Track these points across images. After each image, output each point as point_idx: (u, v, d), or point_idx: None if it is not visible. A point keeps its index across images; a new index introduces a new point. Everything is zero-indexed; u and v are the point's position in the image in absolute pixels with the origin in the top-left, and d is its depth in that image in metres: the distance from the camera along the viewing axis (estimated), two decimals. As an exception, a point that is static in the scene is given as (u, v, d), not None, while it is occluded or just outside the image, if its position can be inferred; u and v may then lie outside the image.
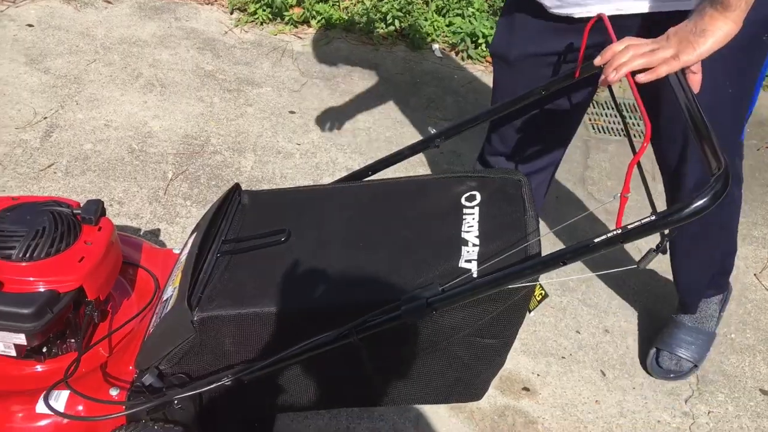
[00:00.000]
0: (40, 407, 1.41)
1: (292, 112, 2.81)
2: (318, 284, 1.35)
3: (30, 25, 3.00)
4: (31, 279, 1.39)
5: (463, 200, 1.43)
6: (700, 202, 1.03)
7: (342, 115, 2.85)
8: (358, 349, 1.29)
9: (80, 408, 1.43)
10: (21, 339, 1.39)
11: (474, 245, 1.32)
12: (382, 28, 3.42)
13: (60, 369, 1.52)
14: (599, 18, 1.39)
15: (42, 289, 1.39)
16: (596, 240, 1.13)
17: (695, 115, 1.16)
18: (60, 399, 1.43)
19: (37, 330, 1.37)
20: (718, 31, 1.20)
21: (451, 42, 3.44)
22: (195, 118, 2.66)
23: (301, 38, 3.32)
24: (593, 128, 3.16)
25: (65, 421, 1.42)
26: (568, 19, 1.51)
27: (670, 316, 2.16)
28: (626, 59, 1.20)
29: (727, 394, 2.07)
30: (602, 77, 1.25)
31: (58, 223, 1.44)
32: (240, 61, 3.06)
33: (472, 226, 1.36)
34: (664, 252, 1.18)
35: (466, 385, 1.44)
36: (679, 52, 1.19)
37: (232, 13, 3.37)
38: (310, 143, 2.67)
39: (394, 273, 1.32)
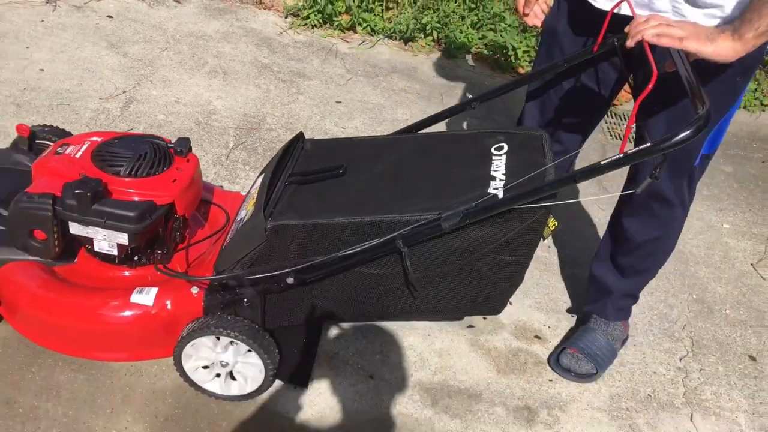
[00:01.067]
0: (135, 298, 1.72)
1: (338, 102, 3.14)
2: (370, 204, 1.64)
3: (110, 17, 3.38)
4: (134, 191, 1.70)
5: (492, 149, 1.72)
6: (686, 132, 1.32)
7: (382, 108, 3.17)
8: (403, 257, 1.57)
9: (168, 302, 1.73)
10: (123, 239, 1.69)
11: (501, 179, 1.61)
12: (421, 37, 3.76)
13: (144, 276, 1.82)
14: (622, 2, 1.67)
15: (142, 201, 1.70)
16: (602, 162, 1.42)
17: (692, 81, 1.43)
18: (150, 293, 1.73)
19: (137, 231, 1.67)
20: (723, 47, 1.44)
21: (483, 53, 3.77)
22: (253, 101, 3.00)
23: (347, 42, 3.67)
24: (610, 135, 3.45)
25: (153, 310, 1.72)
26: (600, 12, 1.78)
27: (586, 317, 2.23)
28: (646, 27, 1.48)
29: (719, 357, 2.31)
30: (628, 41, 1.52)
31: (156, 151, 1.76)
32: (293, 57, 3.41)
33: (499, 168, 1.65)
34: (657, 179, 1.46)
35: (488, 298, 1.71)
36: (687, 38, 1.44)
37: (286, 17, 3.73)
38: (354, 128, 2.98)
39: (434, 197, 1.61)
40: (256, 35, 3.52)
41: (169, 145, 1.82)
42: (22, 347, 1.80)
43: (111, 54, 3.08)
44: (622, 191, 1.92)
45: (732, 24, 1.46)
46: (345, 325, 2.08)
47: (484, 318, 2.23)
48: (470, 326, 2.19)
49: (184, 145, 1.82)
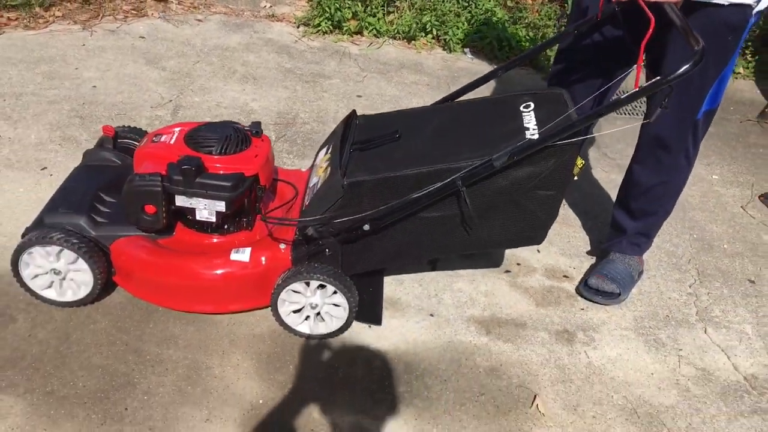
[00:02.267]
0: (233, 256, 2.03)
1: (359, 96, 3.47)
2: (427, 157, 1.97)
3: (142, 37, 3.70)
4: (227, 166, 2.02)
5: (521, 108, 2.05)
6: (686, 66, 1.66)
7: (398, 98, 3.51)
8: (462, 196, 1.89)
9: (262, 258, 2.04)
10: (221, 206, 2.00)
11: (533, 128, 1.94)
12: (422, 35, 4.12)
13: (233, 242, 2.13)
14: None
15: (234, 173, 2.02)
16: (623, 97, 1.77)
17: (685, 25, 1.75)
18: (246, 252, 2.04)
19: (233, 198, 1.98)
20: None
21: (479, 45, 4.13)
22: (284, 100, 3.33)
23: (357, 44, 4.01)
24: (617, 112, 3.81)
25: (250, 266, 2.03)
26: None
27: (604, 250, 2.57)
28: None
29: (723, 282, 2.66)
30: None
31: (238, 133, 2.08)
32: (311, 61, 3.74)
33: (530, 121, 1.98)
34: (666, 108, 1.80)
35: (531, 229, 2.04)
36: None
37: (298, 27, 4.07)
38: (377, 117, 3.32)
39: (481, 147, 1.94)
40: (274, 44, 3.86)
41: (245, 128, 2.14)
42: (137, 309, 2.11)
43: (151, 69, 3.40)
44: (644, 121, 2.20)
45: None
46: (401, 276, 2.40)
47: (518, 264, 2.56)
48: (507, 271, 2.52)
49: (258, 127, 2.14)
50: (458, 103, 2.28)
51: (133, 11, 3.93)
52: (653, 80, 1.72)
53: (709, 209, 3.09)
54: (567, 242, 2.73)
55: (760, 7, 1.97)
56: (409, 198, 1.91)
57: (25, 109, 2.95)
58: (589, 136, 1.89)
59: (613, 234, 2.54)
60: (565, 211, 2.90)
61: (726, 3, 1.94)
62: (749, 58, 4.41)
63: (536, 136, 1.89)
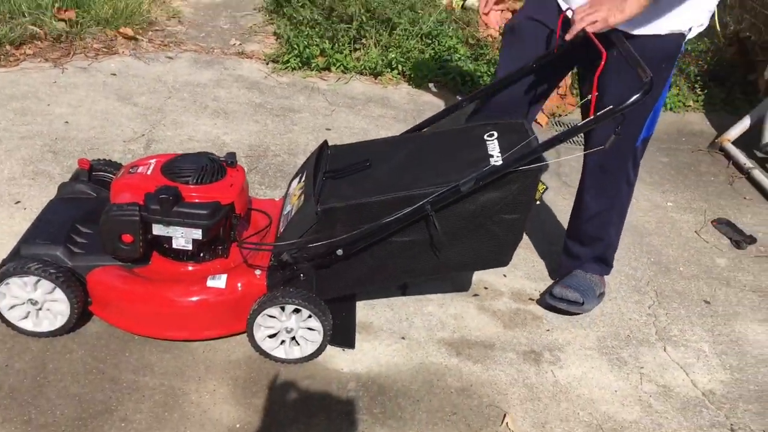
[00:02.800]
0: (210, 283, 2.08)
1: (328, 129, 3.57)
2: (398, 184, 2.06)
3: (113, 74, 3.75)
4: (203, 195, 2.08)
5: (485, 137, 2.16)
6: (637, 95, 1.80)
7: (367, 131, 3.62)
8: (431, 219, 1.98)
9: (239, 285, 2.09)
10: (198, 234, 2.06)
11: (497, 155, 2.04)
12: (388, 71, 4.25)
13: (209, 269, 2.19)
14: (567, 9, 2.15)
15: (210, 201, 2.08)
16: (579, 124, 1.90)
17: (633, 57, 1.90)
18: (222, 279, 2.10)
19: (210, 225, 2.04)
20: (631, 5, 1.93)
21: (443, 80, 4.27)
22: (255, 134, 3.41)
23: (325, 80, 4.12)
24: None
25: (226, 292, 2.08)
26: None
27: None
28: (580, 22, 1.96)
29: (680, 303, 2.78)
30: (568, 35, 1.99)
31: (213, 163, 2.15)
32: (281, 96, 3.84)
33: (494, 148, 2.09)
34: (620, 135, 1.92)
35: (497, 252, 2.14)
36: (608, 16, 1.93)
37: (267, 64, 4.17)
38: (346, 150, 3.41)
39: (448, 174, 2.04)
40: (244, 80, 3.95)
41: (220, 159, 2.21)
42: (113, 338, 2.14)
43: (123, 105, 3.45)
44: (589, 151, 2.33)
45: None
46: (373, 301, 2.47)
47: (485, 288, 2.65)
48: (476, 295, 2.61)
49: (233, 158, 2.22)
50: (426, 133, 2.39)
51: (104, 49, 3.99)
52: (607, 109, 1.85)
53: (665, 234, 3.23)
54: (531, 266, 2.84)
55: (691, 35, 2.13)
56: (380, 223, 1.99)
57: (-3, 144, 2.98)
58: (548, 162, 2.00)
59: (568, 262, 2.65)
60: (529, 237, 3.01)
61: (664, 33, 2.09)
62: (698, 92, 4.64)
63: (500, 162, 1.99)
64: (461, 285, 2.64)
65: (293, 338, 2.14)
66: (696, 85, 4.69)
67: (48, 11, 4.01)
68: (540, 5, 2.29)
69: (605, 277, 2.68)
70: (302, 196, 2.14)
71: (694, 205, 3.52)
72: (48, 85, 3.53)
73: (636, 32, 2.09)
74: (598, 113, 1.89)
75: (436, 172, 2.07)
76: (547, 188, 2.12)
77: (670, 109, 4.52)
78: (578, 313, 2.56)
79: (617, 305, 2.70)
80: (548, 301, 2.56)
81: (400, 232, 2.05)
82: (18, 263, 2.00)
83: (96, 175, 2.42)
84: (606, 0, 1.97)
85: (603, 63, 1.85)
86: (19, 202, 2.65)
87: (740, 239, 3.21)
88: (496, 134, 2.15)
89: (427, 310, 2.49)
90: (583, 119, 2.34)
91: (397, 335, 2.35)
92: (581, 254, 2.60)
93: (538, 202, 2.12)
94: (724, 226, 3.33)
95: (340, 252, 2.04)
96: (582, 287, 2.54)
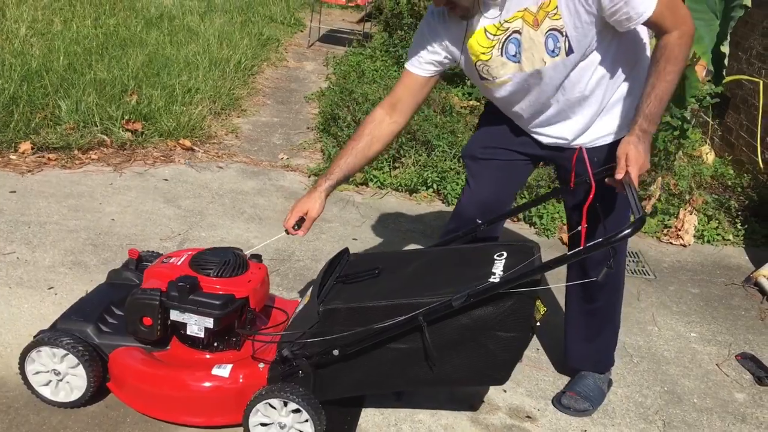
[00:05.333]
0: (214, 371, 2.20)
1: (354, 239, 3.74)
2: (399, 293, 2.16)
3: (165, 180, 4.09)
4: (219, 287, 2.24)
5: (495, 256, 2.23)
6: (628, 230, 1.86)
7: (392, 243, 3.76)
8: (422, 332, 2.04)
9: (240, 375, 2.19)
10: (210, 323, 2.19)
11: (499, 274, 2.10)
12: (423, 189, 4.44)
13: (221, 359, 2.29)
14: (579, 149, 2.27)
15: (225, 293, 2.23)
16: (568, 253, 1.97)
17: (634, 196, 1.96)
18: (226, 368, 2.21)
19: (221, 315, 2.17)
20: (647, 150, 2.03)
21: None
22: (284, 240, 3.60)
23: (361, 194, 4.34)
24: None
25: (228, 382, 2.19)
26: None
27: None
28: (632, 175, 2.01)
29: (688, 436, 2.69)
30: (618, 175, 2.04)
31: (237, 259, 2.33)
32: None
33: (498, 267, 2.15)
34: (612, 268, 1.99)
35: (493, 369, 2.15)
36: (643, 167, 2.01)
37: (309, 177, 4.44)
38: (368, 260, 3.55)
39: (448, 286, 2.11)
40: (285, 190, 4.21)
41: (246, 254, 2.40)
42: (106, 419, 2.25)
43: (167, 207, 3.74)
44: (581, 281, 2.43)
45: (640, 131, 2.04)
46: (364, 404, 2.50)
47: (482, 401, 2.65)
48: (471, 407, 2.60)
49: (258, 257, 2.41)
50: (441, 249, 2.50)
51: (162, 157, 4.36)
52: (597, 241, 1.90)
53: (684, 365, 3.15)
54: (535, 384, 2.82)
55: None
56: (373, 327, 2.06)
57: (46, 236, 3.27)
58: (543, 287, 2.06)
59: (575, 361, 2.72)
60: (539, 355, 3.01)
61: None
62: (739, 227, 4.60)
63: (496, 281, 2.04)
64: (458, 396, 2.64)
65: None
66: (737, 220, 4.65)
67: (117, 122, 4.45)
68: (504, 135, 2.48)
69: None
70: (309, 296, 2.26)
71: (720, 337, 3.43)
72: (104, 186, 3.87)
73: (612, 139, 2.27)
74: (588, 244, 1.94)
75: (437, 285, 2.14)
76: (547, 311, 2.15)
77: (708, 241, 4.49)
78: None
79: (620, 431, 2.63)
80: (556, 405, 2.64)
81: (396, 340, 2.11)
82: (53, 334, 2.20)
83: (144, 264, 2.62)
84: (640, 151, 2.02)
85: (591, 197, 1.94)
86: (52, 287, 2.88)
87: (763, 375, 3.09)
88: (505, 254, 2.21)
89: (418, 418, 2.50)
90: (569, 245, 2.48)
91: (382, 440, 2.37)
92: (585, 352, 2.69)
93: (538, 324, 2.14)
94: (748, 361, 3.22)
95: (336, 352, 2.12)
96: (591, 393, 2.62)
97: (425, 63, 2.33)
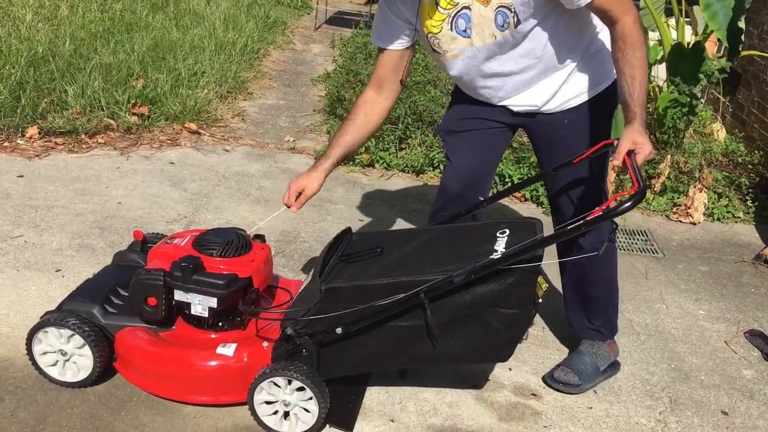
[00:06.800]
0: (219, 350, 2.21)
1: (360, 220, 3.73)
2: (400, 270, 2.15)
3: (171, 163, 4.10)
4: (223, 267, 2.24)
5: (497, 233, 2.22)
6: (629, 203, 1.85)
7: (398, 224, 3.76)
8: (424, 309, 2.03)
9: (245, 354, 2.20)
10: (213, 302, 2.20)
11: (500, 251, 2.08)
12: (430, 169, 4.42)
13: (225, 338, 2.30)
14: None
15: (229, 273, 2.23)
16: (569, 227, 1.95)
17: (638, 170, 1.95)
18: (231, 347, 2.22)
19: (224, 295, 2.18)
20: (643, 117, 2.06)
21: (484, 181, 4.40)
22: (290, 221, 3.61)
23: (367, 175, 4.33)
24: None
25: (233, 360, 2.19)
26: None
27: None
28: (642, 156, 2.00)
29: (694, 412, 2.67)
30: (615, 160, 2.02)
31: (240, 239, 2.33)
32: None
33: (500, 244, 2.14)
34: (614, 242, 1.97)
35: (496, 346, 2.14)
36: (649, 155, 2.00)
37: (315, 159, 4.43)
38: (374, 240, 3.55)
39: (449, 263, 2.10)
40: (291, 172, 4.21)
41: (248, 234, 2.40)
42: (112, 398, 2.27)
43: (173, 190, 3.75)
44: (581, 257, 2.41)
45: (641, 119, 2.04)
46: (371, 382, 2.51)
47: (487, 379, 2.65)
48: (475, 385, 2.61)
49: (261, 237, 2.41)
50: (444, 227, 2.49)
51: (168, 141, 4.37)
52: (598, 215, 1.88)
53: (692, 342, 3.13)
54: (541, 363, 2.81)
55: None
56: (375, 304, 2.06)
57: (53, 219, 3.29)
58: (545, 263, 2.06)
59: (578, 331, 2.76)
60: (544, 333, 3.00)
61: (602, 89, 2.33)
62: (749, 204, 4.55)
63: (496, 257, 2.04)
64: (462, 374, 2.64)
65: (287, 413, 2.19)
66: (747, 197, 4.61)
67: (124, 106, 4.46)
68: (477, 106, 2.50)
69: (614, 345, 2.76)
70: (312, 276, 2.26)
71: (728, 315, 3.41)
72: (111, 170, 3.88)
73: (582, 100, 2.32)
74: (590, 217, 1.92)
75: (437, 261, 2.14)
76: (549, 287, 2.15)
77: (718, 219, 4.45)
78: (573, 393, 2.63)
79: (625, 408, 2.63)
80: (547, 380, 2.64)
81: (398, 318, 2.10)
82: (59, 315, 2.22)
83: (148, 246, 2.62)
84: (642, 132, 2.02)
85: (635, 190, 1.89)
86: (59, 270, 2.90)
87: (772, 352, 3.08)
88: (508, 231, 2.20)
89: (423, 396, 2.50)
90: (554, 220, 2.50)
91: (387, 417, 2.37)
92: (585, 316, 2.70)
93: (541, 301, 2.13)
94: (757, 338, 3.20)
95: (339, 330, 2.12)
96: (583, 367, 2.62)
97: (392, 38, 2.35)
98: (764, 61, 5.37)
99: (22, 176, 3.71)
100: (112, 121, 4.33)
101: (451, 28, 2.21)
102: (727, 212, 4.49)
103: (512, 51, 2.23)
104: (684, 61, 4.71)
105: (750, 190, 4.62)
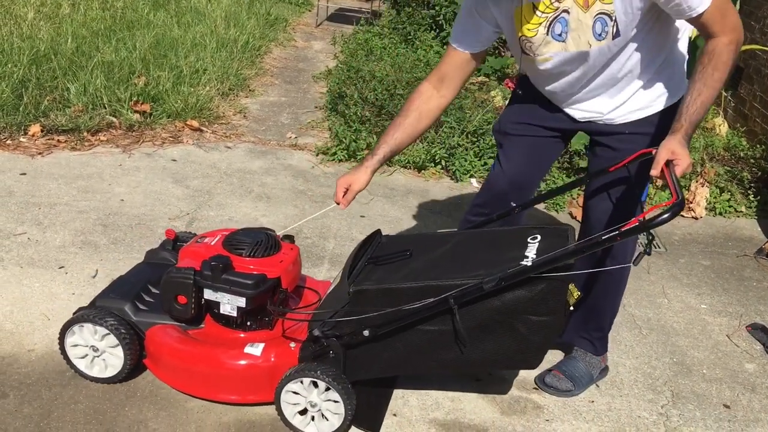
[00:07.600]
0: (247, 350, 2.22)
1: (362, 216, 3.74)
2: (430, 274, 2.13)
3: (174, 160, 4.11)
4: (252, 267, 2.25)
5: (528, 239, 2.19)
6: (667, 215, 1.80)
7: (400, 220, 3.76)
8: (453, 314, 2.01)
9: (272, 354, 2.21)
10: (242, 302, 2.21)
11: (532, 257, 2.05)
12: (431, 166, 4.43)
13: (254, 338, 2.31)
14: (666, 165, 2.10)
15: (258, 273, 2.24)
16: (603, 238, 1.91)
17: (677, 181, 1.92)
18: (259, 347, 2.23)
19: (253, 295, 2.18)
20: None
21: (485, 177, 4.40)
22: (292, 217, 3.61)
23: (369, 172, 4.33)
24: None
25: (260, 360, 2.20)
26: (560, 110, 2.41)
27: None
28: (681, 168, 1.95)
29: (696, 405, 2.68)
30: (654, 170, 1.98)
31: (269, 239, 2.34)
32: (324, 185, 4.07)
33: (531, 251, 2.10)
34: (649, 254, 1.95)
35: (525, 352, 2.10)
36: (688, 168, 1.95)
37: (317, 155, 4.44)
38: (376, 236, 3.56)
39: (479, 268, 2.07)
40: (292, 169, 4.22)
41: (278, 236, 2.42)
42: (117, 393, 2.28)
43: (176, 187, 3.76)
44: (612, 267, 2.38)
45: (685, 134, 1.99)
46: (396, 386, 2.50)
47: (489, 373, 2.65)
48: (478, 380, 2.61)
49: (290, 238, 2.44)
50: (474, 231, 2.48)
51: (170, 138, 4.38)
52: (634, 225, 1.84)
53: (694, 336, 3.14)
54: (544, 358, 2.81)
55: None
56: (403, 308, 2.04)
57: (56, 216, 3.30)
58: (577, 273, 2.04)
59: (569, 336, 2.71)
60: (546, 329, 3.00)
61: (665, 107, 2.27)
62: (751, 198, 4.55)
63: (528, 264, 1.99)
64: (464, 369, 2.65)
65: (317, 413, 2.20)
66: (749, 192, 4.61)
67: (126, 104, 4.47)
68: (536, 111, 2.47)
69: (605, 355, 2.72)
70: (341, 277, 2.26)
71: (731, 309, 3.41)
72: (113, 167, 3.89)
73: (645, 114, 2.28)
74: (626, 228, 1.88)
75: (469, 267, 2.11)
76: (581, 295, 2.13)
77: (720, 213, 4.45)
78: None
79: (627, 402, 2.63)
80: (539, 383, 2.60)
81: (426, 322, 2.08)
82: (99, 313, 2.25)
83: (180, 244, 2.63)
84: (683, 144, 1.98)
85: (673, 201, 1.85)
86: (62, 267, 2.91)
87: (774, 345, 3.08)
88: (539, 237, 2.17)
89: (425, 390, 2.51)
90: (583, 228, 2.49)
91: (390, 412, 2.38)
92: (582, 325, 2.65)
93: (572, 309, 2.11)
94: (759, 332, 3.21)
95: (366, 332, 2.10)
96: (577, 374, 2.56)
97: (471, 40, 2.31)
98: (766, 55, 5.36)
99: (24, 174, 3.73)
100: (114, 119, 4.34)
101: (547, 33, 2.13)
102: (729, 207, 4.49)
103: (603, 61, 2.16)
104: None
105: (752, 185, 4.62)
